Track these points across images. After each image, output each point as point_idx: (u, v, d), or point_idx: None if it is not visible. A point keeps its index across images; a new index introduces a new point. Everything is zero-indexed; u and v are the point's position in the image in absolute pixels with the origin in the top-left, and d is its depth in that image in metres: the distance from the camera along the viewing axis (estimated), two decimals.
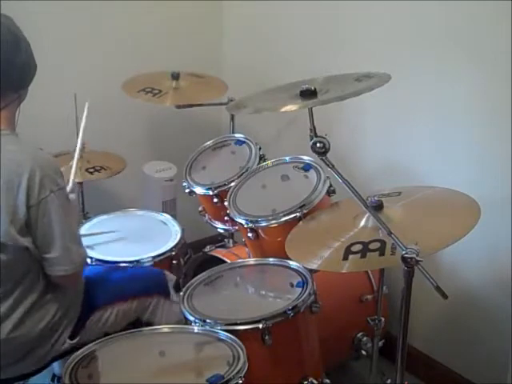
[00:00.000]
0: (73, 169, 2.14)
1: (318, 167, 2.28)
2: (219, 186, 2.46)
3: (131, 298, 1.97)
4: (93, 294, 1.91)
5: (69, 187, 2.01)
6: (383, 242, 1.65)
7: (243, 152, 2.59)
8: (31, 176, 1.64)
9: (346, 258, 1.66)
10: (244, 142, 2.63)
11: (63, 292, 1.83)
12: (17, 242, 1.67)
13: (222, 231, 2.65)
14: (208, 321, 1.89)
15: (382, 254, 1.62)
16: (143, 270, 2.18)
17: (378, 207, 1.74)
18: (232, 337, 1.78)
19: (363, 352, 2.39)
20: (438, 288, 1.49)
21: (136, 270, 2.17)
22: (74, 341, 1.85)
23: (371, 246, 1.66)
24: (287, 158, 2.42)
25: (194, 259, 2.62)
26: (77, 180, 2.19)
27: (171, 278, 2.13)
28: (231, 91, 2.75)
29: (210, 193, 2.47)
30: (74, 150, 2.25)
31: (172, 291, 2.08)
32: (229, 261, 2.37)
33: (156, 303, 2.01)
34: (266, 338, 1.86)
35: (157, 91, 2.67)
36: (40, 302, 1.78)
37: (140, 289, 2.01)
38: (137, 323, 1.97)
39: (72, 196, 1.96)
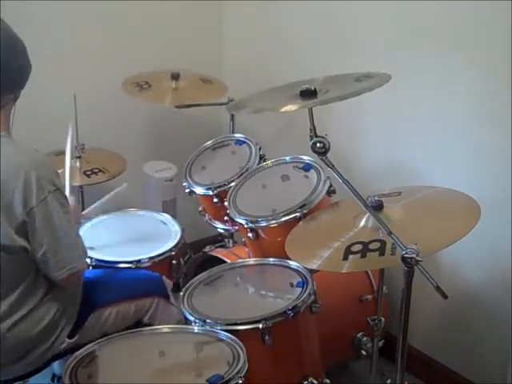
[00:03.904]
0: (66, 182, 2.16)
1: (318, 167, 2.28)
2: (219, 186, 2.46)
3: (130, 299, 1.97)
4: (93, 294, 1.91)
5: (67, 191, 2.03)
6: (383, 242, 1.64)
7: (243, 152, 2.59)
8: (27, 177, 1.64)
9: (346, 257, 1.66)
10: (244, 142, 2.63)
11: (63, 291, 1.83)
12: (15, 243, 1.67)
13: (221, 231, 2.65)
14: (208, 321, 1.89)
15: (382, 254, 1.62)
16: (142, 272, 2.18)
17: (378, 207, 1.74)
18: (232, 337, 1.78)
19: (363, 352, 2.39)
20: (438, 288, 1.49)
21: (135, 272, 2.17)
22: (73, 340, 1.85)
23: (371, 246, 1.66)
24: (287, 158, 2.42)
25: (194, 259, 2.62)
26: (75, 184, 2.20)
27: (168, 282, 2.13)
28: (231, 91, 2.75)
29: (210, 193, 2.47)
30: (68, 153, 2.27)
31: (171, 294, 2.08)
32: (229, 261, 2.37)
33: (156, 305, 2.00)
34: (266, 338, 1.86)
35: (147, 86, 2.66)
36: (41, 302, 1.78)
37: (139, 290, 2.01)
38: (137, 326, 1.97)
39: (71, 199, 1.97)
